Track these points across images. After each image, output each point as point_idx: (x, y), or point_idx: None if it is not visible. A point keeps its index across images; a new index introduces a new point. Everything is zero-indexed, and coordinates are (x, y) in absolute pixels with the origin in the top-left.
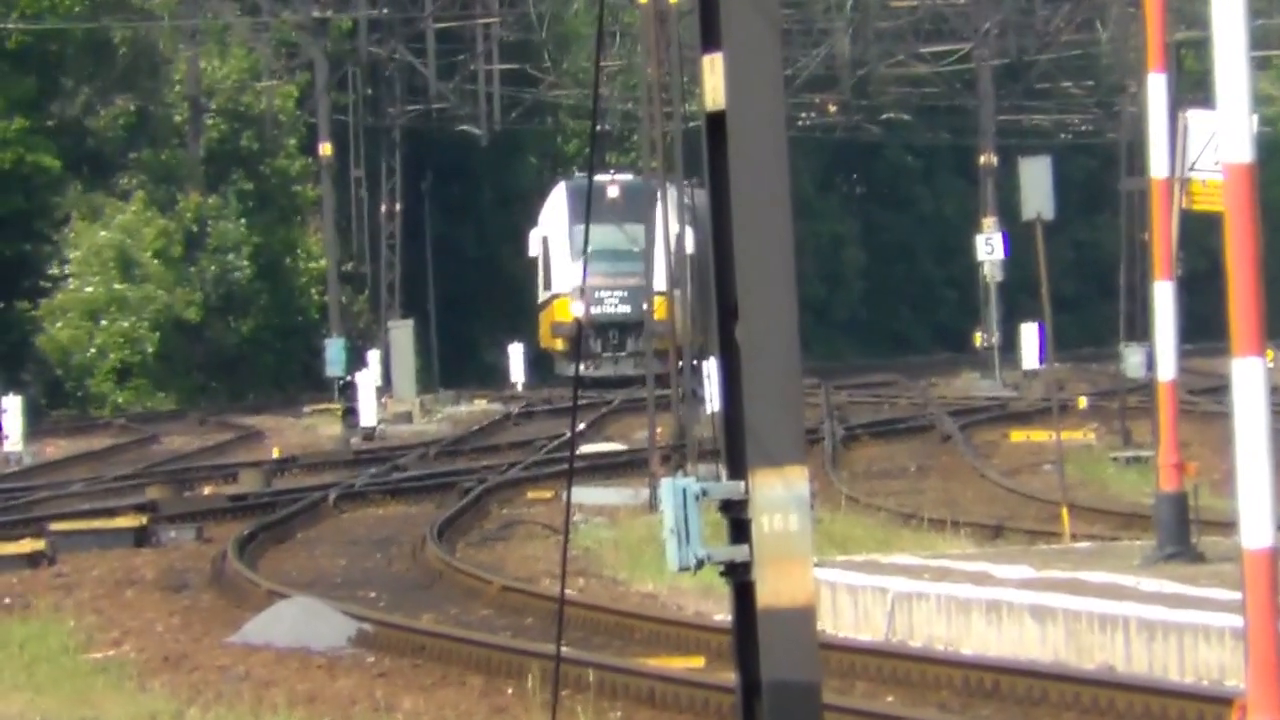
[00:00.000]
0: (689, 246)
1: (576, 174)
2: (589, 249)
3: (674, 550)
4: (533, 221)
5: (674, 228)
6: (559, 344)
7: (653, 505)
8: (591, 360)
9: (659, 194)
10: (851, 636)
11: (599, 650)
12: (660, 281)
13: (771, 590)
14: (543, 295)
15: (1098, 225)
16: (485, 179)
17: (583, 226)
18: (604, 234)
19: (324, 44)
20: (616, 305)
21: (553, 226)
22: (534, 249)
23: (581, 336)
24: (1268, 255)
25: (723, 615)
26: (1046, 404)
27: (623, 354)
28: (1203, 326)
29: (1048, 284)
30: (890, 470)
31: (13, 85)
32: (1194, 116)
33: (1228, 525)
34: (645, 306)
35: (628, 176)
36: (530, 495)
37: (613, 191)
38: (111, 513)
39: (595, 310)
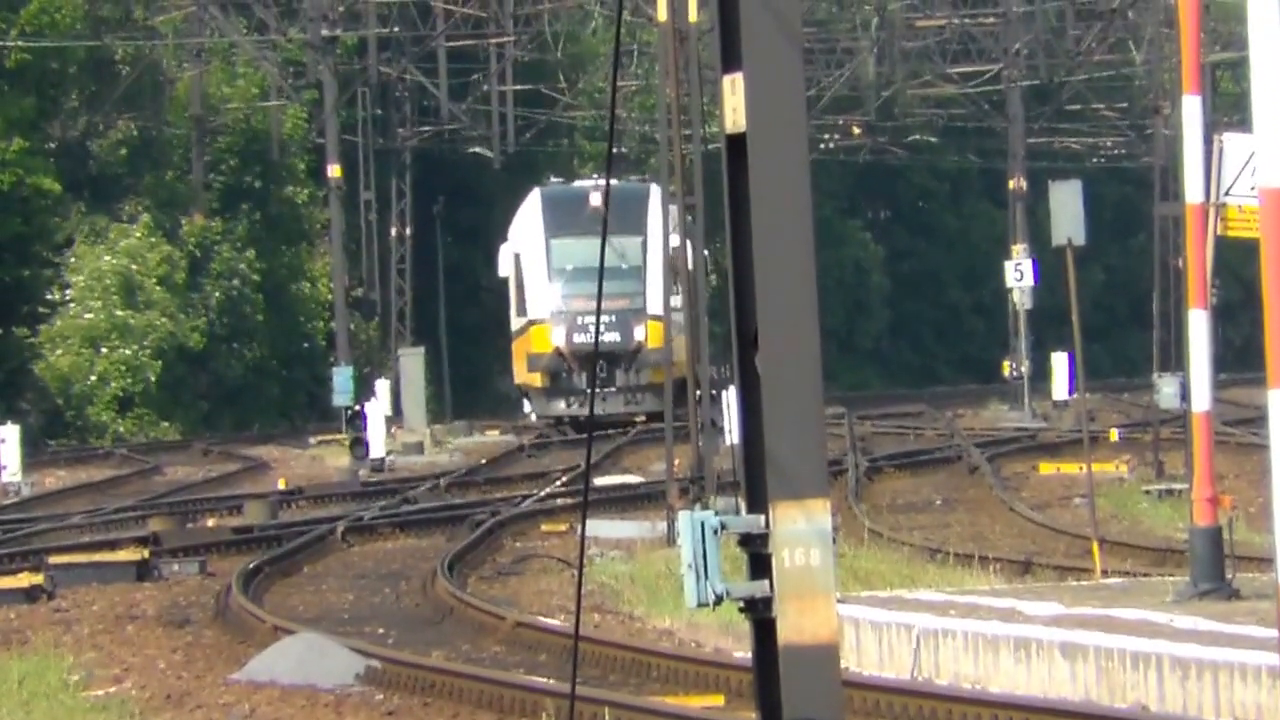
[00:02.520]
0: (686, 261)
1: (551, 180)
2: (569, 266)
3: (692, 585)
4: (504, 236)
5: (671, 241)
6: (537, 379)
7: (670, 539)
8: (575, 397)
9: (649, 202)
10: (876, 675)
11: (615, 688)
12: (657, 303)
13: (793, 627)
14: (516, 322)
15: (1130, 251)
16: (498, 202)
17: (562, 240)
18: (586, 248)
19: (332, 63)
20: (603, 332)
21: (527, 241)
22: (504, 268)
23: (595, 364)
24: None
25: (743, 652)
26: (1077, 435)
27: (612, 389)
28: (1239, 356)
29: (1078, 312)
30: (916, 503)
31: (11, 105)
32: (1230, 140)
33: (1264, 560)
34: (638, 332)
35: (614, 182)
36: (544, 528)
37: (595, 199)
38: (112, 545)
39: (578, 338)
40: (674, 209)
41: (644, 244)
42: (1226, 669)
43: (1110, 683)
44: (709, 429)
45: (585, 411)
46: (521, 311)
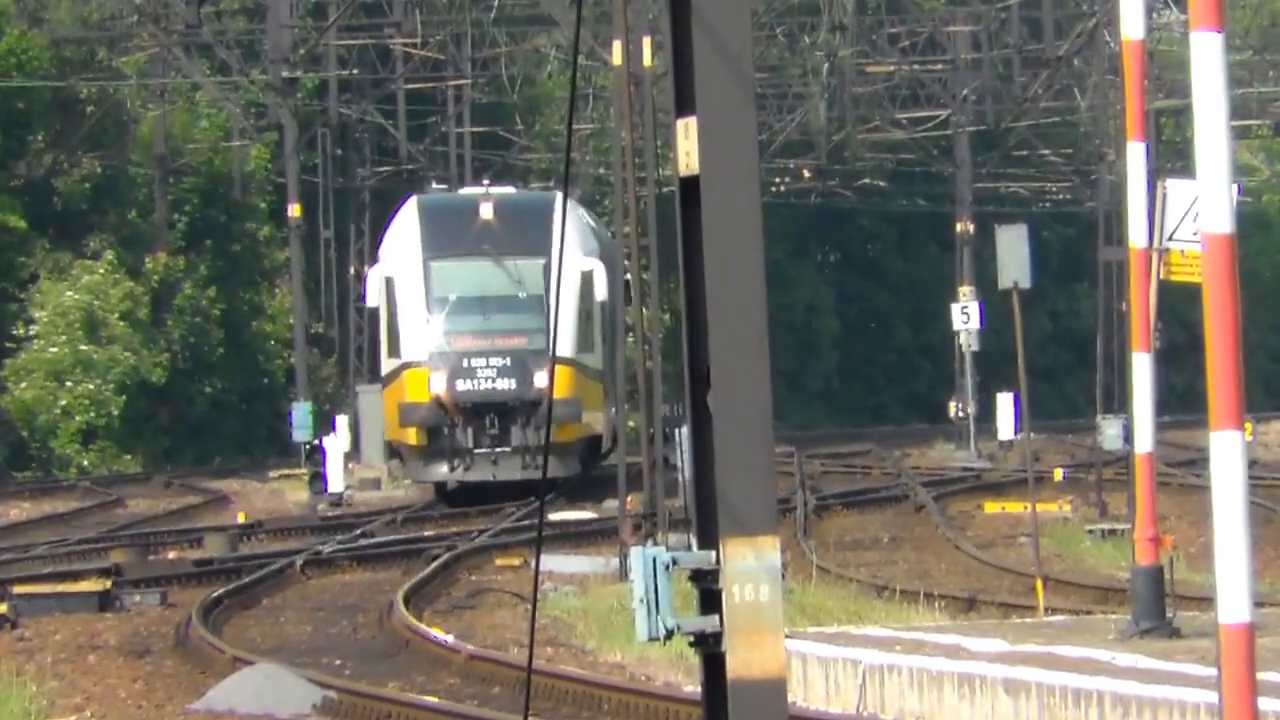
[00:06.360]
0: (600, 290)
1: (434, 186)
2: (452, 295)
3: (643, 620)
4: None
5: (577, 261)
6: (412, 436)
7: (623, 574)
8: (460, 459)
9: (554, 216)
10: (822, 709)
11: None
12: (563, 343)
13: (742, 661)
14: (387, 364)
15: (1075, 295)
16: None
17: (444, 263)
18: (474, 273)
19: (293, 104)
20: (494, 378)
21: (400, 264)
22: (373, 297)
23: (550, 407)
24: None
25: (693, 686)
26: (1022, 475)
27: (505, 449)
28: (1181, 398)
29: (1024, 354)
30: (863, 541)
31: None
32: (1173, 186)
33: (1204, 600)
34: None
35: (509, 190)
36: (499, 562)
37: (485, 210)
38: (75, 576)
39: (463, 385)
40: (585, 223)
41: (546, 268)
42: (1166, 706)
43: (1052, 719)
44: (661, 467)
45: (474, 476)
46: (394, 352)
